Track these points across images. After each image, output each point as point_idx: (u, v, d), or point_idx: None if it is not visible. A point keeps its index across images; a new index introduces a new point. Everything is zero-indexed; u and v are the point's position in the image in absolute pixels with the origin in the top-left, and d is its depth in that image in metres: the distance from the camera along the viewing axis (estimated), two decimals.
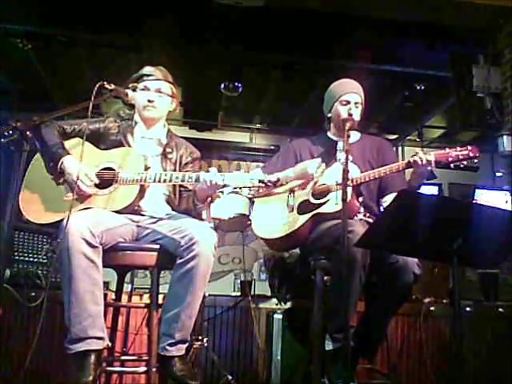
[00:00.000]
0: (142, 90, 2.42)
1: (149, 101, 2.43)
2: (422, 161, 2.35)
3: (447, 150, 2.37)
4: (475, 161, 2.35)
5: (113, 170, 2.29)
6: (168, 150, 2.49)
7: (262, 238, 2.65)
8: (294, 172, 2.60)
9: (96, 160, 2.31)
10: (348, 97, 2.65)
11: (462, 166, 2.41)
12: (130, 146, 2.41)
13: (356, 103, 2.65)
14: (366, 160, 2.65)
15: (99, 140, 2.37)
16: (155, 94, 2.44)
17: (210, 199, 2.36)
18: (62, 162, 2.24)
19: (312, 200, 2.56)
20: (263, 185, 2.12)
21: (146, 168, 2.29)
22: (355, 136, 2.77)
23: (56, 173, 2.27)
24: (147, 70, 2.46)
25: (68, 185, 2.27)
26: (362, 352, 2.41)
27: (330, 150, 2.68)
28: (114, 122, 2.47)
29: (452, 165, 2.39)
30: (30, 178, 2.29)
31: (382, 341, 2.52)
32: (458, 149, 2.36)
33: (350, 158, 2.54)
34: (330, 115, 2.75)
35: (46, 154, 2.29)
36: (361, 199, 2.58)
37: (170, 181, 2.24)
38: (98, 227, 2.08)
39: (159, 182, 2.23)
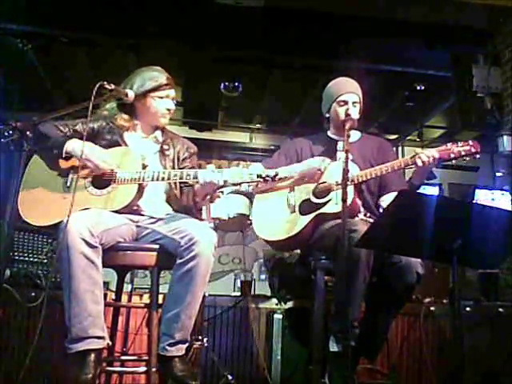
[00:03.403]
0: (161, 98, 2.40)
1: (168, 110, 2.44)
2: (428, 158, 2.35)
3: (449, 145, 2.37)
4: (477, 156, 2.35)
5: (111, 169, 2.29)
6: (165, 147, 2.49)
7: (263, 240, 2.64)
8: (301, 170, 2.59)
9: None
10: (345, 97, 2.64)
11: (464, 161, 2.41)
12: (126, 145, 2.40)
13: (354, 103, 2.64)
14: (366, 159, 2.65)
15: (94, 140, 2.34)
16: (172, 101, 2.45)
17: (209, 197, 2.35)
18: (68, 146, 2.23)
19: (313, 199, 2.55)
20: (262, 180, 2.12)
21: (144, 167, 2.28)
22: (355, 135, 2.76)
23: (60, 161, 2.26)
24: (163, 77, 2.40)
25: (76, 168, 2.23)
26: (364, 352, 2.41)
27: (330, 149, 2.68)
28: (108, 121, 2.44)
29: (454, 161, 2.40)
30: (27, 180, 2.28)
31: (384, 341, 2.52)
32: (460, 144, 2.37)
33: (350, 156, 2.54)
34: (328, 115, 2.75)
35: (48, 146, 2.26)
36: (362, 198, 2.58)
37: (169, 179, 2.24)
38: (97, 227, 2.08)
39: (157, 180, 2.23)
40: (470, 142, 2.37)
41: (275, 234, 2.57)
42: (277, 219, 2.60)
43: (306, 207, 2.55)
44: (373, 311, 2.42)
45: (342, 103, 2.64)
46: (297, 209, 2.57)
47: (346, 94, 2.65)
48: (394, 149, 6.57)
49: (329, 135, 2.80)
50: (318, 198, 2.55)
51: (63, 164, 2.30)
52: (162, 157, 2.46)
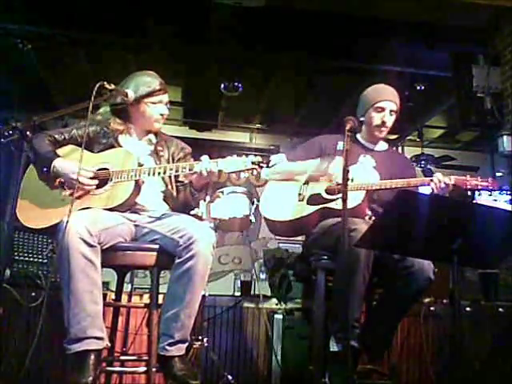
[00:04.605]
0: (154, 103, 2.41)
1: (162, 115, 2.45)
2: (440, 183, 2.38)
3: (468, 177, 2.41)
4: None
5: (107, 170, 2.30)
6: (159, 148, 2.50)
7: (266, 219, 2.67)
8: (315, 168, 2.60)
9: (90, 163, 2.31)
10: (384, 104, 2.64)
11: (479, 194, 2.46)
12: (121, 147, 2.42)
13: (391, 111, 2.65)
14: (387, 170, 2.66)
15: (90, 143, 2.36)
16: (165, 106, 2.46)
17: (207, 192, 2.35)
18: (54, 166, 2.24)
19: (324, 195, 2.58)
20: (256, 166, 2.12)
21: (140, 165, 2.29)
22: (383, 146, 2.80)
23: (50, 177, 2.27)
24: (156, 82, 2.41)
25: (65, 186, 2.27)
26: (370, 354, 2.41)
27: (353, 151, 2.67)
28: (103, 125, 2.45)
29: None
30: (24, 186, 2.29)
31: (390, 342, 2.53)
32: (479, 179, 2.40)
33: (374, 163, 2.65)
34: (362, 119, 2.72)
35: (38, 162, 2.30)
36: (371, 208, 2.59)
37: (165, 173, 2.25)
38: (95, 226, 2.08)
39: (153, 175, 2.24)
40: (490, 180, 2.40)
41: (279, 215, 2.61)
42: (283, 203, 2.64)
43: (314, 200, 2.58)
44: (381, 314, 2.42)
45: (380, 109, 2.64)
46: (305, 199, 2.60)
47: (385, 102, 2.64)
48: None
49: (357, 138, 2.78)
50: (329, 194, 2.58)
51: (54, 179, 2.30)
52: (157, 158, 2.47)
